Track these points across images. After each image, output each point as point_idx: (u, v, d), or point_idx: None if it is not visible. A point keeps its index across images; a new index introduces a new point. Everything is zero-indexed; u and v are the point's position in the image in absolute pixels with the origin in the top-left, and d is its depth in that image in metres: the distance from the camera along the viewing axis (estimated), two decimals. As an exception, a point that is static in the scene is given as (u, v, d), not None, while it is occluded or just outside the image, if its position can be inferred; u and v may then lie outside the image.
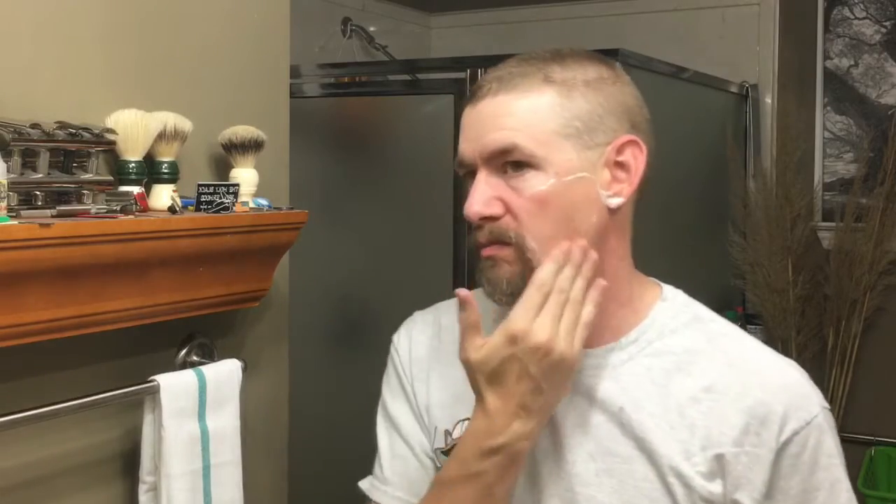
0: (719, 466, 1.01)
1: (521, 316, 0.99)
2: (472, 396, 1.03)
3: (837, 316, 2.88)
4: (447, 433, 1.11)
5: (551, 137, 1.02)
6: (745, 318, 2.99)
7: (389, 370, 1.19)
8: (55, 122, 1.20)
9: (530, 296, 0.99)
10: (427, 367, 1.16)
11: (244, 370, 1.43)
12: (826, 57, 3.00)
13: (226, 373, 1.40)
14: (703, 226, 2.89)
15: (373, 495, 1.16)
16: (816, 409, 1.03)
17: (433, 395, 1.14)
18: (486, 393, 1.00)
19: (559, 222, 1.02)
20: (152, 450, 1.32)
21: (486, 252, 1.04)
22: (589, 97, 1.05)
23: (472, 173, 1.05)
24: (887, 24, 2.93)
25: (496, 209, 1.03)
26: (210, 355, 1.45)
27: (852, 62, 2.97)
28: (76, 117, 1.24)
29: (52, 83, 1.25)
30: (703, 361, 1.06)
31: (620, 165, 1.06)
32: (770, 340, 2.94)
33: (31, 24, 1.23)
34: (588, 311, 1.01)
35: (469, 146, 1.05)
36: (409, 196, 2.25)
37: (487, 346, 1.00)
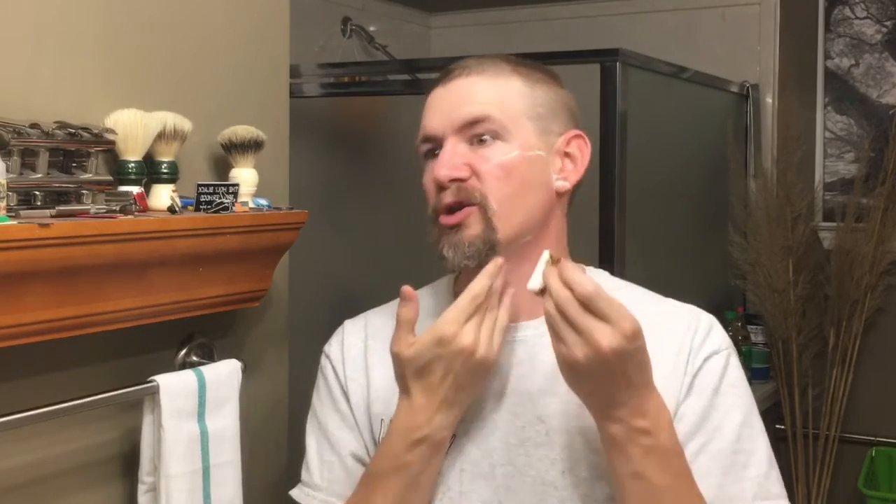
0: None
1: (451, 321, 1.07)
2: None
3: (838, 316, 2.88)
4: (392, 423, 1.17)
5: (518, 116, 1.15)
6: (746, 319, 2.98)
7: (319, 379, 1.27)
8: (54, 122, 1.20)
9: (463, 304, 1.08)
10: (364, 366, 1.23)
11: (244, 370, 1.43)
12: (827, 56, 2.99)
13: (225, 373, 1.39)
14: (704, 226, 2.88)
15: (304, 501, 1.23)
16: (725, 344, 1.17)
17: (374, 391, 1.21)
18: (412, 387, 1.09)
19: (518, 191, 1.13)
20: (152, 450, 1.31)
21: (449, 220, 1.13)
22: (547, 91, 1.18)
23: (432, 152, 1.16)
24: (888, 23, 2.93)
25: (464, 172, 1.12)
26: (210, 355, 1.45)
27: (853, 62, 2.97)
28: (75, 117, 1.24)
29: (52, 83, 1.25)
30: None
31: (568, 156, 1.18)
32: (770, 340, 2.94)
33: (30, 24, 1.22)
34: (503, 317, 1.10)
35: (438, 119, 1.15)
36: (409, 196, 2.25)
37: (417, 343, 1.08)
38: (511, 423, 1.14)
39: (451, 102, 1.15)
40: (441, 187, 1.13)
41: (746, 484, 1.11)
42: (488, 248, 1.12)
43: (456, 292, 1.24)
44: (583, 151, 1.19)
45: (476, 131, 1.13)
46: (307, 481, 1.24)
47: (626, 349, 0.98)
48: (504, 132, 1.13)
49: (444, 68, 1.20)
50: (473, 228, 1.12)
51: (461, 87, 1.16)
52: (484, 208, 1.12)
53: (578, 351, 0.99)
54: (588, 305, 0.98)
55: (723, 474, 1.11)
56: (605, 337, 0.97)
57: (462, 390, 1.09)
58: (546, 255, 1.03)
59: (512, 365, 1.16)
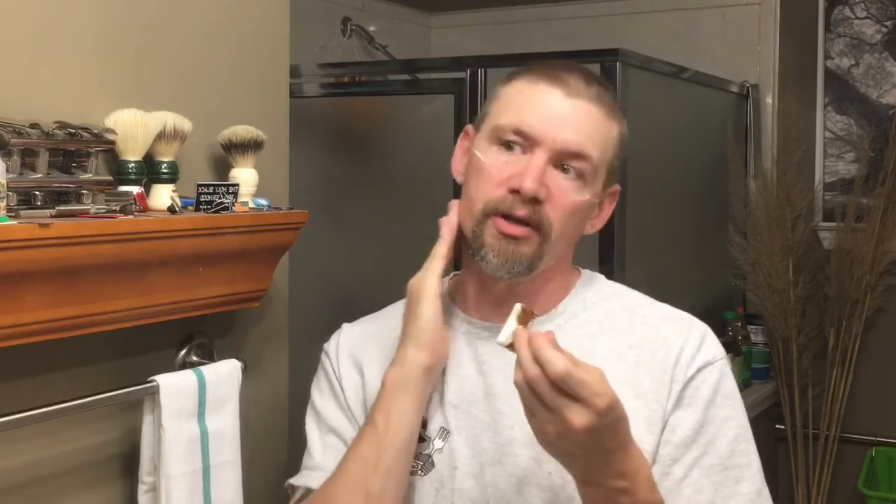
0: (652, 418, 1.11)
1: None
2: None
3: (838, 316, 2.88)
4: None
5: (605, 165, 1.15)
6: (746, 319, 2.98)
7: (319, 374, 1.30)
8: (54, 122, 1.20)
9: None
10: (361, 362, 1.26)
11: (244, 370, 1.43)
12: (827, 56, 2.99)
13: (225, 373, 1.40)
14: (704, 226, 2.89)
15: (302, 481, 1.23)
16: (720, 354, 1.16)
17: (369, 388, 1.23)
18: None
19: (572, 230, 1.16)
20: (152, 450, 1.31)
21: (513, 230, 1.12)
22: (624, 142, 1.19)
23: (507, 144, 1.13)
24: (888, 23, 2.93)
25: (543, 193, 1.11)
26: (210, 355, 1.45)
27: (853, 62, 2.97)
28: (75, 117, 1.24)
29: (52, 83, 1.25)
30: (622, 325, 1.19)
31: (601, 205, 1.21)
32: (770, 340, 2.94)
33: (30, 24, 1.22)
34: (439, 249, 1.18)
35: (548, 128, 1.11)
36: (409, 196, 2.25)
37: None
38: (499, 422, 1.15)
39: (568, 121, 1.11)
40: (517, 192, 1.11)
41: (739, 500, 1.11)
42: (527, 270, 1.13)
43: (450, 293, 1.25)
44: (611, 207, 1.22)
45: (570, 162, 1.12)
46: (307, 464, 1.24)
47: (600, 425, 0.95)
48: (589, 177, 1.13)
49: (560, 69, 1.15)
50: (529, 248, 1.12)
51: (583, 112, 1.12)
52: (545, 236, 1.12)
53: (550, 427, 0.96)
54: (559, 386, 0.94)
55: (714, 490, 1.10)
56: (577, 416, 0.94)
57: (406, 323, 1.16)
58: (517, 308, 1.00)
59: (500, 365, 1.15)
